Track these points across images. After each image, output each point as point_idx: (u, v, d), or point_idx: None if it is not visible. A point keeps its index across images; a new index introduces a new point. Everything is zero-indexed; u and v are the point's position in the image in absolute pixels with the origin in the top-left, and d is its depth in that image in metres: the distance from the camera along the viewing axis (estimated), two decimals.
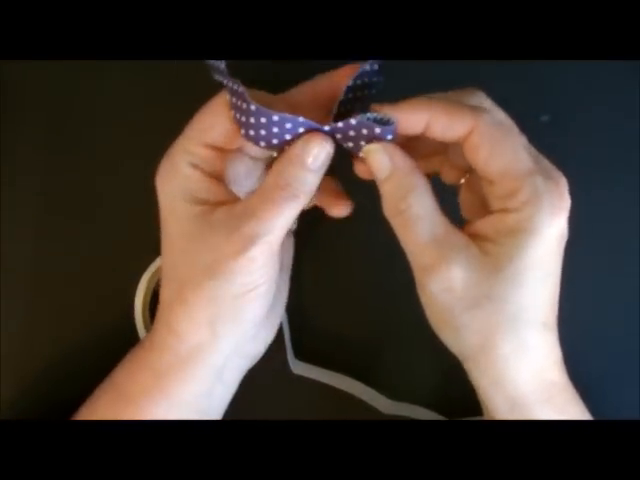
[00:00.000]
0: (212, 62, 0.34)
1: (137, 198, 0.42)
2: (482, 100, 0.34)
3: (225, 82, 0.34)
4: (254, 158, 0.38)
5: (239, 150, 0.37)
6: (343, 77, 0.35)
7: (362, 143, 0.33)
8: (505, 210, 0.32)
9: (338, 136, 0.33)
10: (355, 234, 0.44)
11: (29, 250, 0.44)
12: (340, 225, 0.42)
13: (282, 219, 0.33)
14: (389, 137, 0.33)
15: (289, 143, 0.34)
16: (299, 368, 0.43)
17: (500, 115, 0.33)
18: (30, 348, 0.44)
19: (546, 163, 0.33)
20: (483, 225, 0.33)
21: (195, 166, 0.34)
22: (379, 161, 0.33)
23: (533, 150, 0.33)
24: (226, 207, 0.34)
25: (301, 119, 0.33)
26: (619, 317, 0.43)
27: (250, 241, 0.33)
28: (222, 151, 0.35)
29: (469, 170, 0.36)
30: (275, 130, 0.33)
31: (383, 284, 0.44)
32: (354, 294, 0.44)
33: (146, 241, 0.40)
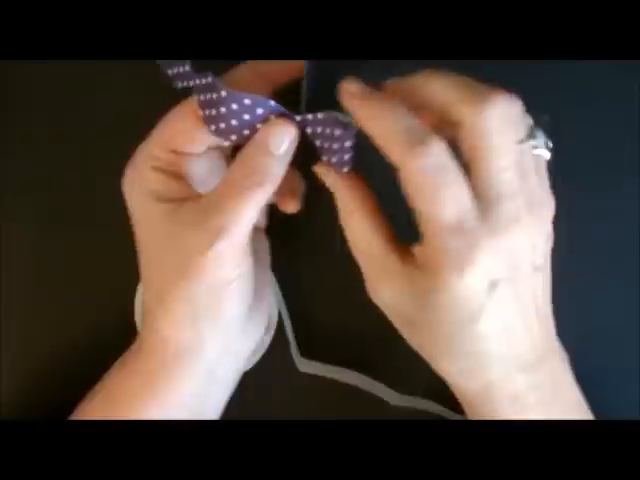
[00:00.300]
0: (174, 68, 0.34)
1: None
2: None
3: (191, 82, 0.34)
4: (218, 155, 0.38)
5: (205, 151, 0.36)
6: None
7: (325, 145, 0.33)
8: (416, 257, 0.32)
9: (308, 130, 0.33)
10: None
11: (29, 250, 0.44)
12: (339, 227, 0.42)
13: (248, 209, 0.33)
14: (347, 143, 0.33)
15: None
16: (305, 366, 0.43)
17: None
18: (30, 348, 0.44)
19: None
20: (415, 254, 0.33)
21: (158, 168, 0.35)
22: (326, 180, 0.34)
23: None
24: (191, 203, 0.34)
25: (272, 103, 0.33)
26: (619, 317, 0.43)
27: (216, 234, 0.32)
28: (188, 155, 0.35)
29: None
30: (246, 117, 0.33)
31: None
32: (357, 289, 0.44)
33: None
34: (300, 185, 0.38)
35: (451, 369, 0.33)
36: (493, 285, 0.31)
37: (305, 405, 0.44)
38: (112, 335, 0.43)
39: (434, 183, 0.30)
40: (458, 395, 0.34)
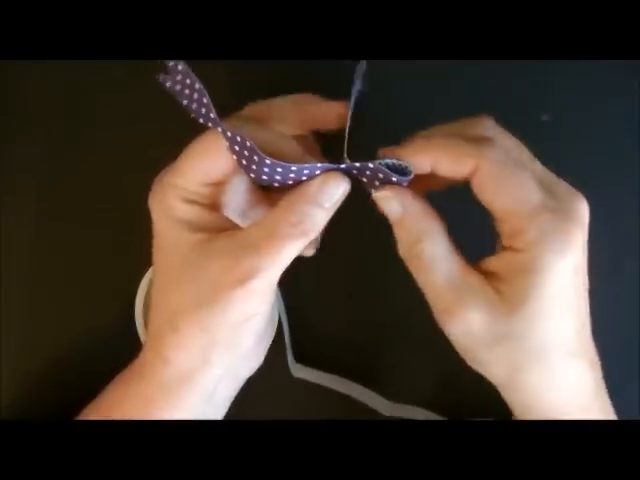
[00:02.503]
0: (209, 114, 0.32)
1: (137, 198, 0.42)
2: (489, 130, 0.33)
3: (226, 132, 0.32)
4: (247, 183, 0.37)
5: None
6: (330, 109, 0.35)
7: (376, 183, 0.33)
8: (513, 249, 0.32)
9: (354, 171, 0.33)
10: (355, 237, 0.43)
11: (29, 250, 0.44)
12: (340, 228, 0.42)
13: (286, 255, 0.32)
14: (405, 184, 0.33)
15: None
16: (299, 371, 0.43)
17: (507, 145, 0.33)
18: (30, 349, 0.44)
19: (561, 190, 0.32)
20: (496, 263, 0.33)
21: (190, 201, 0.34)
22: (389, 207, 0.33)
23: (548, 176, 0.33)
24: (226, 236, 0.33)
25: (319, 164, 0.32)
26: (619, 317, 0.43)
27: (250, 273, 0.32)
28: (219, 184, 0.35)
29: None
30: (292, 175, 0.32)
31: (383, 287, 0.44)
32: (354, 296, 0.44)
33: (147, 241, 0.40)
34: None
35: (540, 378, 0.33)
36: (578, 269, 0.32)
37: (298, 409, 0.44)
38: (111, 335, 0.44)
39: (513, 169, 0.31)
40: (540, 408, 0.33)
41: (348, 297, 0.44)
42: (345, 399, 0.43)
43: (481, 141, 0.32)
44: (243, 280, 0.32)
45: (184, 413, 0.35)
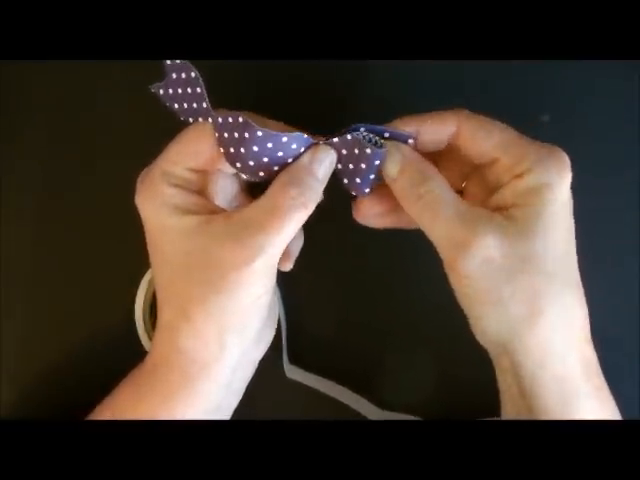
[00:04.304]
0: (182, 102, 0.34)
1: None
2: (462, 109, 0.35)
3: (209, 119, 0.34)
4: (231, 177, 0.38)
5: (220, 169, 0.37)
6: None
7: (350, 166, 0.34)
8: (518, 175, 0.33)
9: (335, 143, 0.34)
10: (352, 242, 0.43)
11: (29, 250, 0.44)
12: (337, 233, 0.42)
13: (289, 229, 0.33)
14: (377, 162, 0.34)
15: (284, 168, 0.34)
16: (293, 373, 0.43)
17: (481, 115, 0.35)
18: (30, 349, 0.44)
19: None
20: (500, 197, 0.34)
21: (178, 185, 0.34)
22: (391, 157, 0.34)
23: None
24: (223, 218, 0.34)
25: (305, 136, 0.34)
26: (619, 317, 0.43)
27: (255, 252, 0.32)
28: (205, 173, 0.35)
29: (468, 173, 0.37)
30: (280, 154, 0.33)
31: (380, 292, 0.44)
32: (350, 300, 0.44)
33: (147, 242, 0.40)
34: (299, 245, 0.39)
35: (560, 311, 0.33)
36: (570, 197, 0.34)
37: (288, 409, 0.44)
38: (112, 335, 0.44)
39: (493, 120, 0.34)
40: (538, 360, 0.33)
41: (344, 300, 0.44)
42: (333, 406, 0.43)
43: (458, 109, 0.35)
44: (248, 261, 0.32)
45: (204, 405, 0.35)
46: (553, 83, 0.44)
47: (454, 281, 0.34)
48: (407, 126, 0.34)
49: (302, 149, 0.34)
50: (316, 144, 0.34)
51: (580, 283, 0.34)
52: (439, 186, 0.33)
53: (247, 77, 0.43)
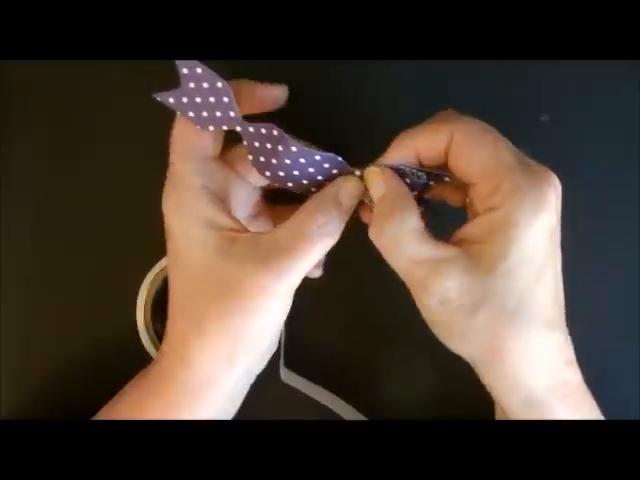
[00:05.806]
0: (227, 113, 0.34)
1: (138, 199, 0.42)
2: (455, 114, 0.35)
3: (238, 128, 0.34)
4: (254, 185, 0.38)
5: (240, 176, 0.37)
6: None
7: None
8: (489, 209, 0.32)
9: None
10: (350, 248, 0.43)
11: (29, 251, 0.44)
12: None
13: (314, 256, 0.33)
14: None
15: (320, 183, 0.35)
16: (288, 377, 0.43)
17: (476, 120, 0.34)
18: (30, 348, 0.44)
19: (531, 162, 0.33)
20: (471, 228, 0.33)
21: (205, 187, 0.34)
22: (376, 181, 0.34)
23: (517, 150, 0.33)
24: (248, 238, 0.33)
25: (339, 159, 0.34)
26: (619, 317, 0.43)
27: (280, 276, 0.32)
28: (229, 182, 0.36)
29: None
30: (311, 170, 0.34)
31: (378, 299, 0.44)
32: (349, 308, 0.44)
33: (148, 242, 0.40)
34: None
35: (521, 346, 0.32)
36: (553, 233, 0.32)
37: (281, 413, 0.44)
38: (112, 335, 0.44)
39: (484, 132, 0.33)
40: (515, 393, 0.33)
41: (341, 307, 0.44)
42: (324, 413, 0.43)
43: (452, 117, 0.34)
44: (272, 283, 0.32)
45: (208, 414, 0.35)
46: (553, 83, 0.44)
47: (421, 312, 0.34)
48: (403, 147, 0.34)
49: (335, 170, 0.34)
50: (350, 173, 0.35)
51: (556, 322, 0.33)
52: (406, 222, 0.33)
53: (247, 77, 0.43)
